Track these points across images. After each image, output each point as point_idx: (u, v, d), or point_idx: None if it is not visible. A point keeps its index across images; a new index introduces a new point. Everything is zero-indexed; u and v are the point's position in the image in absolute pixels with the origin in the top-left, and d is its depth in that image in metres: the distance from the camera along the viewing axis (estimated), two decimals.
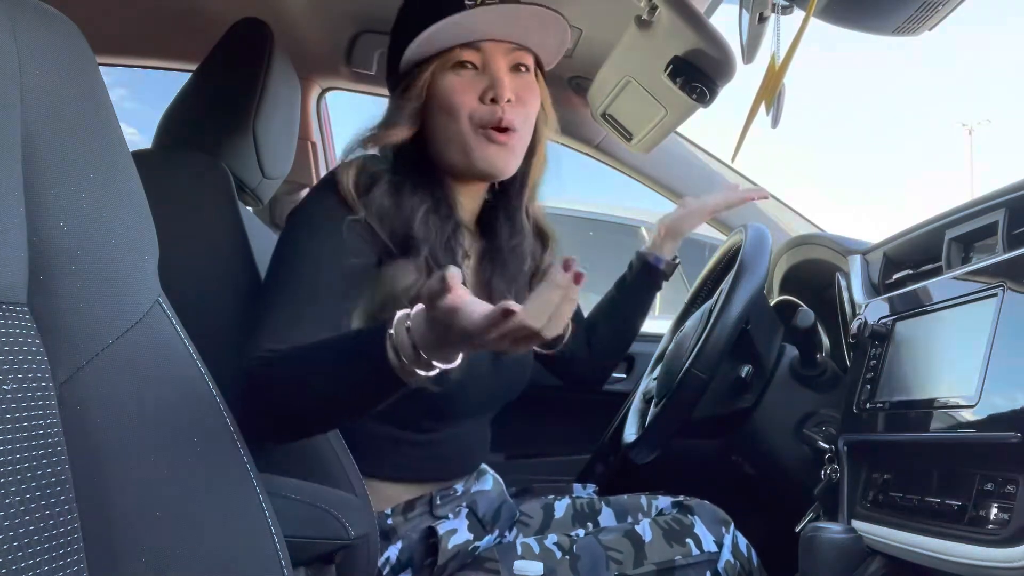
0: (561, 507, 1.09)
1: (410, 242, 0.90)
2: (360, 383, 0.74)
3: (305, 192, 1.86)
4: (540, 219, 1.07)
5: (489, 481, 1.07)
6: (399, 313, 0.69)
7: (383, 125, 0.96)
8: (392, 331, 0.68)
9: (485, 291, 0.99)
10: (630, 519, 1.07)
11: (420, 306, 0.67)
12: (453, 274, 0.58)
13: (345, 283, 0.87)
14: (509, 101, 0.92)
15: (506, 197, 1.02)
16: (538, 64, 0.99)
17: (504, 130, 0.92)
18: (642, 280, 1.20)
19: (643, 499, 1.11)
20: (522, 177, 1.01)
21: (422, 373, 0.68)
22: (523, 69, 0.96)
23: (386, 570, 0.92)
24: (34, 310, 0.45)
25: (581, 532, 1.00)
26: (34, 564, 0.40)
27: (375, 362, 0.69)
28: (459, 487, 1.02)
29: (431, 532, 0.93)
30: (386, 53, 1.01)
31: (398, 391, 0.71)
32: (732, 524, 1.02)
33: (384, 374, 0.70)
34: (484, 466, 1.10)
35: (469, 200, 1.01)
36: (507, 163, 0.94)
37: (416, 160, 0.96)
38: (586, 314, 1.25)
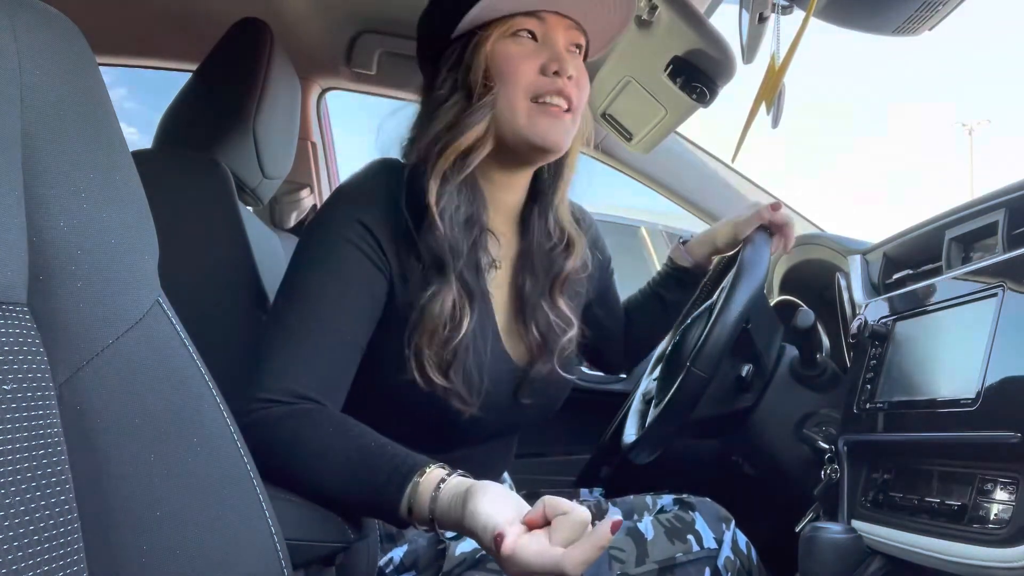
0: None
1: (438, 256, 0.86)
2: (358, 503, 0.75)
3: (305, 192, 1.86)
4: (567, 224, 0.99)
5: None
6: (430, 475, 0.70)
7: (452, 123, 0.87)
8: (414, 492, 0.70)
9: (517, 298, 0.96)
10: (635, 517, 1.07)
11: (452, 481, 0.69)
12: (504, 537, 0.61)
13: (355, 318, 0.84)
14: (571, 77, 0.87)
15: (541, 195, 0.97)
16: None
17: (563, 101, 0.87)
18: (676, 277, 1.20)
19: (648, 499, 1.11)
20: (557, 172, 0.97)
21: (426, 529, 0.71)
22: (577, 51, 0.92)
23: (388, 569, 0.92)
24: (34, 310, 0.44)
25: None
26: (34, 564, 0.40)
27: (385, 505, 0.71)
28: None
29: (438, 538, 0.92)
30: (422, 20, 0.95)
31: (393, 522, 0.73)
32: (732, 521, 1.02)
33: (386, 515, 0.73)
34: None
35: (509, 193, 0.95)
36: (562, 137, 0.89)
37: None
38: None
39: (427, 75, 0.94)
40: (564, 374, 0.97)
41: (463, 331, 0.86)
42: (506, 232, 0.97)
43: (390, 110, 0.98)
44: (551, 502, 0.63)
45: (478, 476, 0.99)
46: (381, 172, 0.91)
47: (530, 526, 0.64)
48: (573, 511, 0.62)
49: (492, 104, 0.87)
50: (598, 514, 1.09)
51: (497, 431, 0.98)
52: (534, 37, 0.88)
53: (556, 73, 0.87)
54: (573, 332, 0.97)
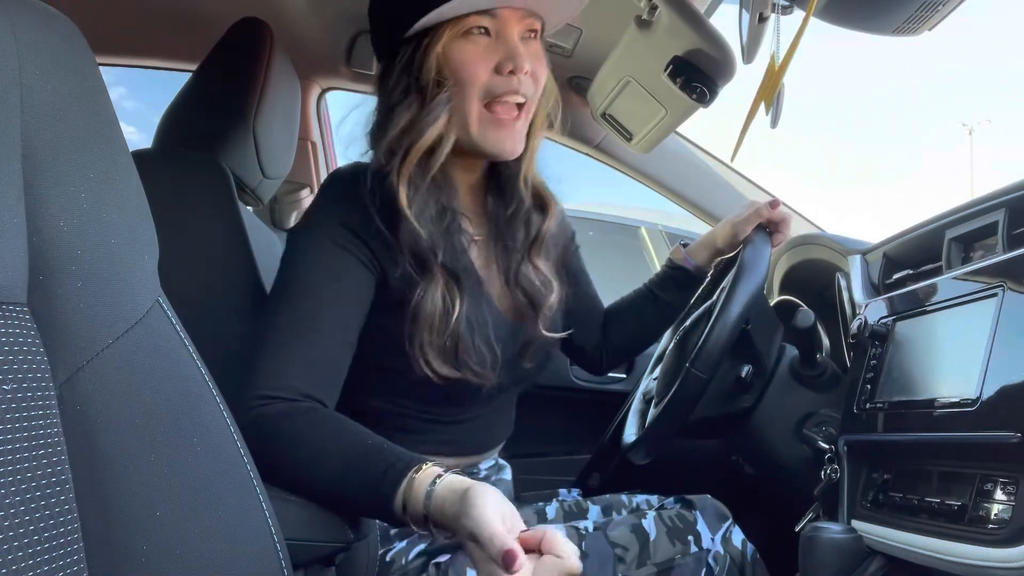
0: (551, 510, 1.10)
1: (419, 255, 0.87)
2: (354, 501, 0.75)
3: (305, 192, 1.87)
4: (539, 186, 1.01)
5: (508, 472, 1.09)
6: (425, 472, 0.70)
7: (408, 126, 0.88)
8: (408, 488, 0.69)
9: (493, 269, 0.98)
10: (615, 514, 1.07)
11: (448, 478, 0.69)
12: (515, 556, 0.59)
13: (347, 316, 0.86)
14: (526, 73, 0.88)
15: (502, 167, 0.98)
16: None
17: (516, 106, 0.89)
18: (676, 279, 1.20)
19: (623, 497, 1.12)
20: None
21: (419, 528, 0.70)
22: (532, 36, 0.92)
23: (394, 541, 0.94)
24: (34, 310, 0.45)
25: (590, 526, 1.01)
26: (34, 564, 0.40)
27: (379, 502, 0.71)
28: (482, 466, 1.04)
29: (432, 536, 0.93)
30: (371, 12, 0.94)
31: (389, 520, 0.73)
32: (731, 519, 1.03)
33: (381, 513, 0.73)
34: (502, 461, 1.11)
35: (472, 173, 0.98)
36: (515, 145, 0.91)
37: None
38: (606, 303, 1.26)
39: (383, 68, 0.94)
40: (549, 334, 0.98)
41: (455, 315, 0.87)
42: (473, 206, 0.99)
43: (351, 105, 0.99)
44: (550, 539, 0.62)
45: (488, 437, 1.03)
46: (358, 172, 0.91)
47: (520, 545, 0.63)
48: (568, 558, 0.60)
49: (447, 101, 0.88)
50: (578, 512, 1.09)
51: (503, 390, 0.99)
52: (487, 32, 0.88)
53: (511, 72, 0.87)
54: (556, 290, 0.99)
